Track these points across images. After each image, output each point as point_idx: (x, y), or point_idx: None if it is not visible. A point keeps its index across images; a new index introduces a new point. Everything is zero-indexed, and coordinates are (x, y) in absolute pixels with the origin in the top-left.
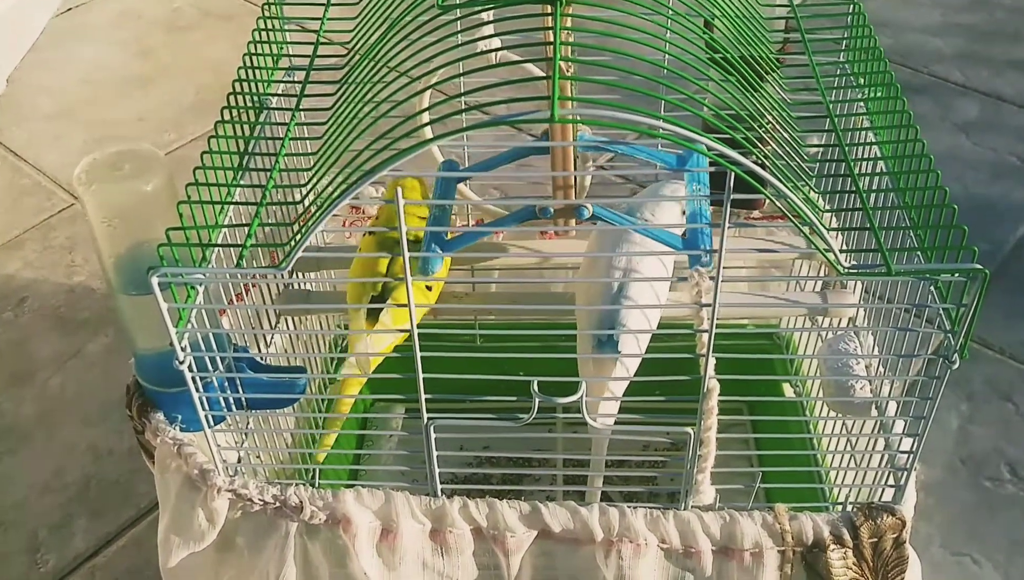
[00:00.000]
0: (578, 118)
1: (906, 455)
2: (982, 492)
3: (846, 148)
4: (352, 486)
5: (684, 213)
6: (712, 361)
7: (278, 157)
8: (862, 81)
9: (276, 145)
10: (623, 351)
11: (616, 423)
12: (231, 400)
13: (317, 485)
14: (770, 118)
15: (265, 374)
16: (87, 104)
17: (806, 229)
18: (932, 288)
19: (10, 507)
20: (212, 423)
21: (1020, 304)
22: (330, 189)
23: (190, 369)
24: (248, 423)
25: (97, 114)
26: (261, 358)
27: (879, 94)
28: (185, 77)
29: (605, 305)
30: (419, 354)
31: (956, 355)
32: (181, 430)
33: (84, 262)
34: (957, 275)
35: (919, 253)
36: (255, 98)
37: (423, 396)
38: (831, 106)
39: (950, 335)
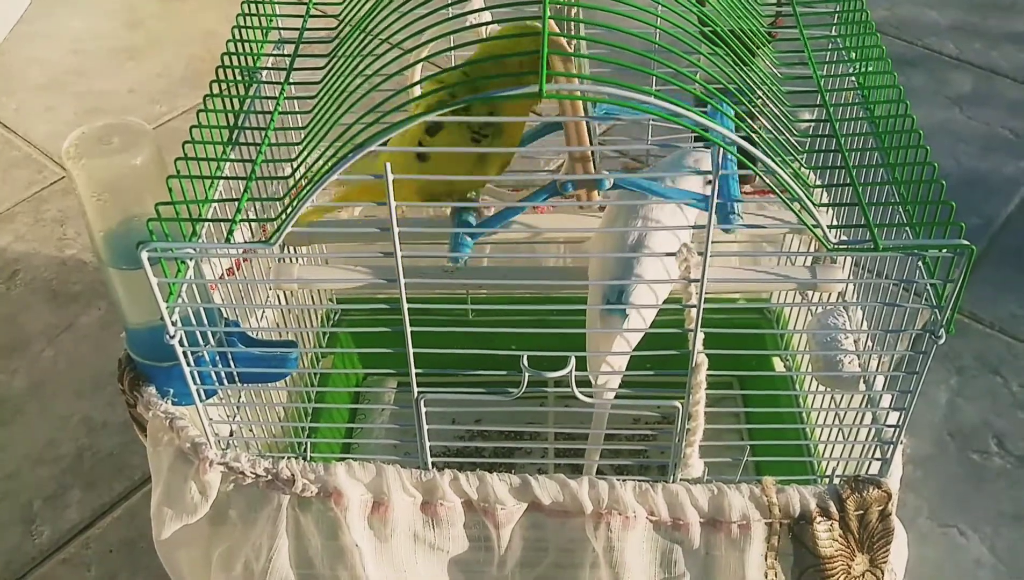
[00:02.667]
0: (564, 93)
1: (892, 429)
2: (970, 465)
3: (836, 123)
4: (344, 459)
5: (708, 184)
6: (700, 336)
7: (267, 131)
8: (854, 56)
9: (266, 119)
10: (631, 314)
11: (603, 393)
12: (222, 374)
13: (308, 458)
14: (760, 93)
15: (257, 348)
16: (77, 75)
17: (795, 205)
18: (920, 263)
19: (3, 478)
20: (203, 397)
21: (1010, 278)
22: (320, 163)
23: (181, 343)
24: (240, 397)
25: (87, 85)
26: (252, 332)
27: (870, 68)
28: (176, 48)
29: (618, 265)
30: (409, 329)
31: (943, 330)
32: (173, 404)
33: (76, 235)
34: (944, 251)
35: (908, 228)
36: (245, 71)
37: (413, 370)
38: (822, 81)
39: (937, 310)
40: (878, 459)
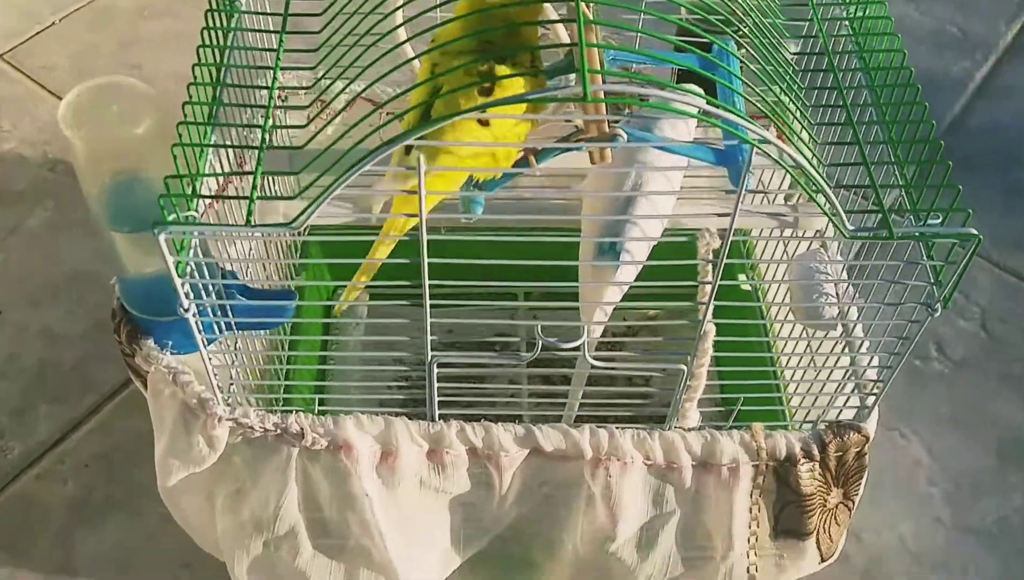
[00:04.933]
0: (610, 94)
1: (874, 382)
2: (911, 370)
3: (837, 73)
4: (350, 412)
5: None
6: (712, 308)
7: (271, 92)
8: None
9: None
10: (623, 259)
11: (612, 358)
12: (222, 324)
13: (317, 412)
14: (748, 22)
15: (256, 301)
16: None
17: (818, 196)
18: (921, 245)
19: None
20: (208, 351)
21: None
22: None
23: (187, 296)
24: (236, 343)
25: None
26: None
27: (867, 12)
28: None
29: (611, 214)
30: (428, 301)
31: (939, 305)
32: (172, 354)
33: (13, 128)
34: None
35: (903, 190)
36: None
37: (429, 336)
38: (820, 21)
39: (934, 286)
40: (855, 406)
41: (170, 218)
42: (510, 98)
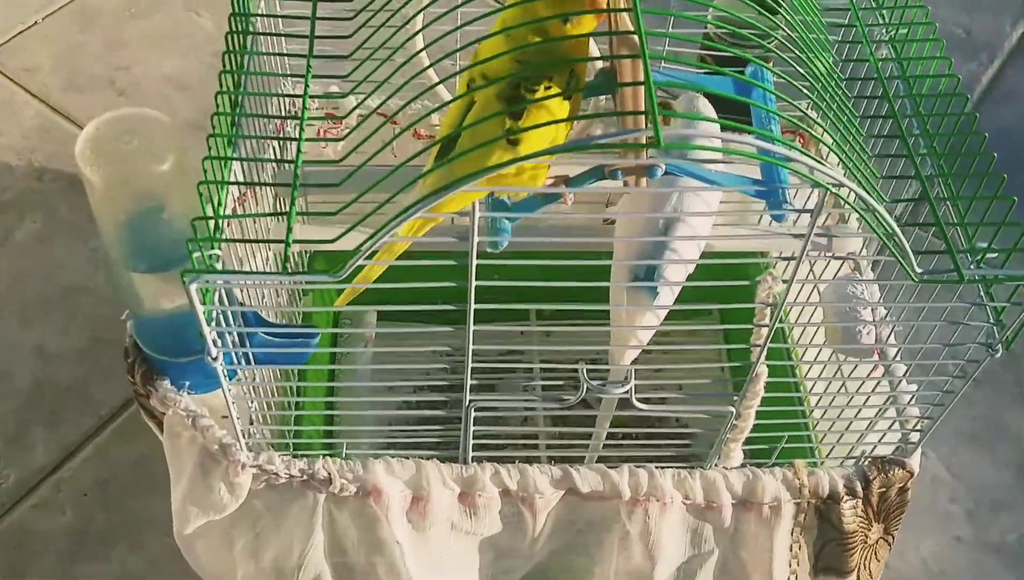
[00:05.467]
0: (677, 141)
1: (919, 418)
2: None
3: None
4: (379, 456)
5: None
6: (766, 352)
7: (301, 126)
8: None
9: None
10: (661, 287)
11: (659, 402)
12: (242, 358)
13: (344, 456)
14: (777, 37)
15: (280, 336)
16: None
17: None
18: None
19: None
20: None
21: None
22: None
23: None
24: (255, 378)
25: None
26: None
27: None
28: None
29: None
30: (471, 341)
31: (1000, 346)
32: (190, 394)
33: None
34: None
35: (958, 229)
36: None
37: (468, 379)
38: (863, 27)
39: (995, 327)
40: (893, 442)
41: (198, 265)
42: (566, 146)
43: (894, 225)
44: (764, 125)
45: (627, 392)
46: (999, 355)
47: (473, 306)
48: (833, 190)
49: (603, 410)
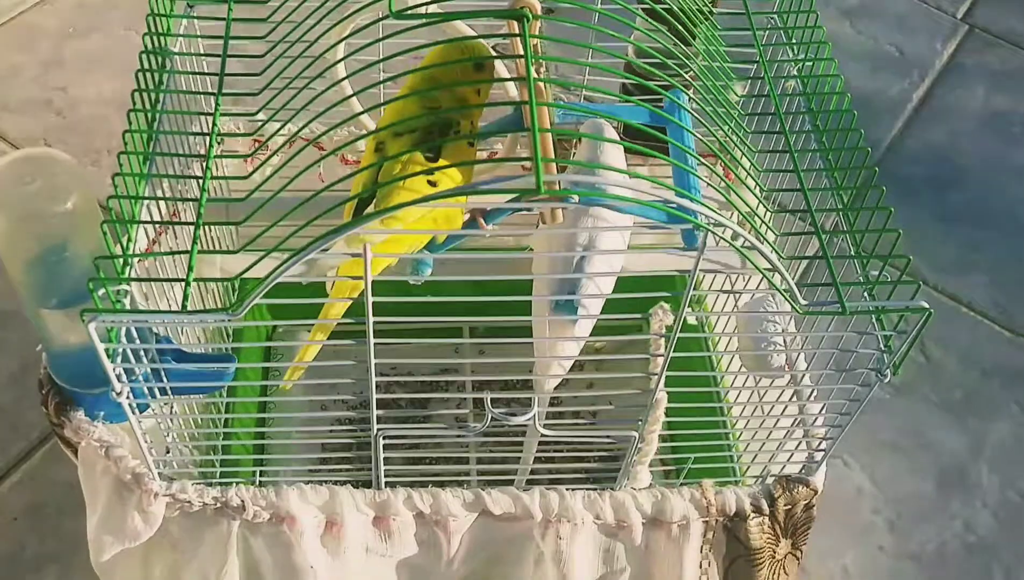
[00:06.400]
0: (565, 187)
1: (822, 439)
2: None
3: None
4: (310, 480)
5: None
6: (663, 380)
7: (207, 163)
8: (794, 40)
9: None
10: (580, 314)
11: (562, 427)
12: (155, 390)
13: (258, 483)
14: (692, 67)
15: (192, 364)
16: None
17: (769, 271)
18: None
19: None
20: (140, 421)
21: (894, 206)
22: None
23: (120, 379)
24: (172, 408)
25: None
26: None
27: (809, 54)
28: None
29: (565, 270)
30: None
31: (889, 371)
32: (104, 424)
33: None
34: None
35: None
36: (159, 57)
37: (375, 407)
38: (767, 65)
39: (884, 354)
40: (801, 462)
41: (101, 303)
42: (455, 190)
43: (775, 260)
44: (680, 159)
45: (530, 419)
46: (887, 380)
47: (372, 335)
48: (712, 230)
49: (528, 436)
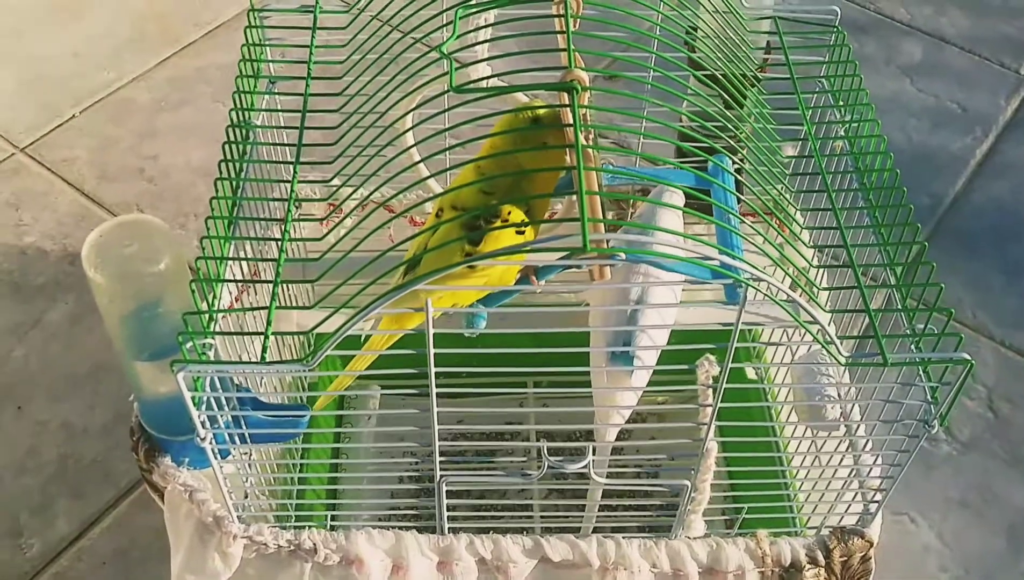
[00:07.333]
0: (610, 245)
1: (875, 491)
2: (919, 452)
3: (829, 184)
4: (363, 528)
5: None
6: (713, 429)
7: (286, 227)
8: (841, 103)
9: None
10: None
11: (622, 477)
12: (235, 437)
13: (329, 527)
14: (741, 130)
15: (270, 413)
16: (14, 37)
17: (810, 324)
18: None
19: None
20: (222, 467)
21: (956, 262)
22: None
23: (204, 426)
24: (251, 455)
25: (26, 48)
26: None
27: (857, 118)
28: (117, 5)
29: (619, 323)
30: (436, 418)
31: (936, 422)
32: (189, 469)
33: (34, 221)
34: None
35: (902, 313)
36: (243, 130)
37: (437, 454)
38: (812, 128)
39: (931, 405)
40: (857, 512)
41: (189, 355)
42: (501, 250)
43: (814, 313)
44: (723, 219)
45: (585, 467)
46: (935, 431)
47: (434, 384)
48: (751, 284)
49: (592, 484)
